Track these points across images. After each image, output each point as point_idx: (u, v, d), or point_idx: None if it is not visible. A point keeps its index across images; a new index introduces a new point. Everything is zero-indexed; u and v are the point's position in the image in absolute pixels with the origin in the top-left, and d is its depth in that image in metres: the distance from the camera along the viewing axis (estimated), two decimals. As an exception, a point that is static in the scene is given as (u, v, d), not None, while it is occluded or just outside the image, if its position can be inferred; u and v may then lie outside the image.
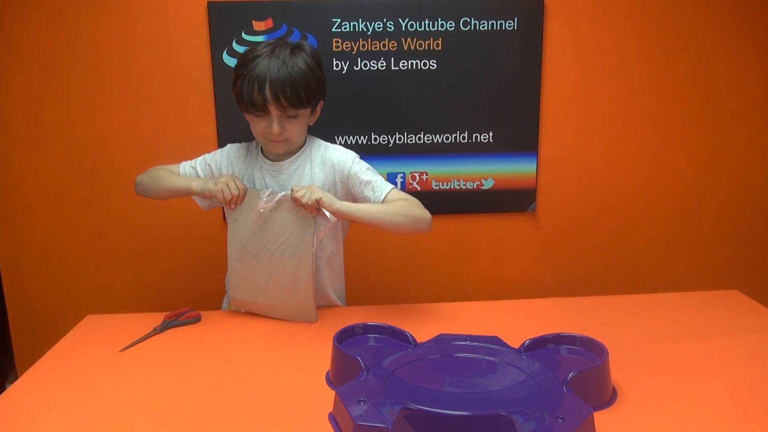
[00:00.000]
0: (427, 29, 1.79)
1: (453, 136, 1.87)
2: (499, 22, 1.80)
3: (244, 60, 1.26)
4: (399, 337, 1.10)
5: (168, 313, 1.33)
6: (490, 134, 1.88)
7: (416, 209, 1.30)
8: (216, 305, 1.54)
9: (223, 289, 1.53)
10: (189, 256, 1.91)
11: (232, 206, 1.29)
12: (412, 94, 1.83)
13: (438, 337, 1.10)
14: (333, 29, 1.77)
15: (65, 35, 1.74)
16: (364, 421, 0.80)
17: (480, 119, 1.86)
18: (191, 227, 1.89)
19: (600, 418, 0.85)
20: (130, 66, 1.78)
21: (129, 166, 1.85)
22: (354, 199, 1.35)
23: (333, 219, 1.22)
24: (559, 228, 1.98)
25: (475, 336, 1.08)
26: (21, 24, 1.73)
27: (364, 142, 1.86)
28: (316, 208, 1.21)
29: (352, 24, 1.77)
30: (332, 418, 0.90)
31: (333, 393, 0.92)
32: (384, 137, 1.86)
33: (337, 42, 1.78)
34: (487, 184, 1.92)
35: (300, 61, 1.24)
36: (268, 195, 1.26)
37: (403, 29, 1.79)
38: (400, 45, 1.79)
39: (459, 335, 1.09)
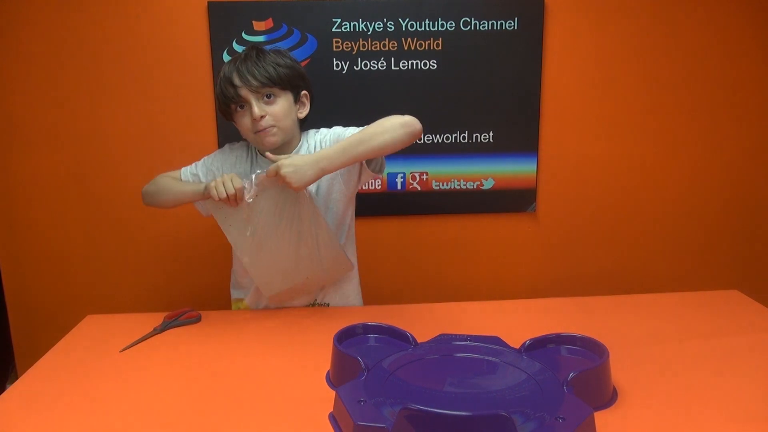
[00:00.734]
0: (427, 29, 1.79)
1: (453, 136, 1.87)
2: (499, 22, 1.80)
3: (220, 75, 1.31)
4: (399, 337, 1.10)
5: (168, 313, 1.33)
6: (490, 134, 1.88)
7: (392, 118, 1.23)
8: (216, 305, 1.54)
9: (223, 291, 1.53)
10: (189, 256, 1.91)
11: (234, 204, 1.26)
12: (412, 94, 1.83)
13: (438, 337, 1.10)
14: (333, 29, 1.77)
15: (65, 35, 1.74)
16: (364, 421, 0.80)
17: (480, 119, 1.86)
18: (191, 227, 1.89)
19: (600, 418, 0.85)
20: (130, 66, 1.78)
21: (129, 165, 1.85)
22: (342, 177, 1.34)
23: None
24: (559, 228, 1.98)
25: (476, 336, 1.08)
26: (21, 24, 1.73)
27: (364, 142, 1.85)
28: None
29: (352, 24, 1.77)
30: (332, 418, 0.90)
31: (333, 393, 0.91)
32: (384, 137, 1.86)
33: (337, 42, 1.78)
34: (488, 184, 1.92)
35: (265, 51, 1.29)
36: (247, 184, 1.24)
37: (403, 29, 1.79)
38: (400, 45, 1.80)
39: (459, 335, 1.09)
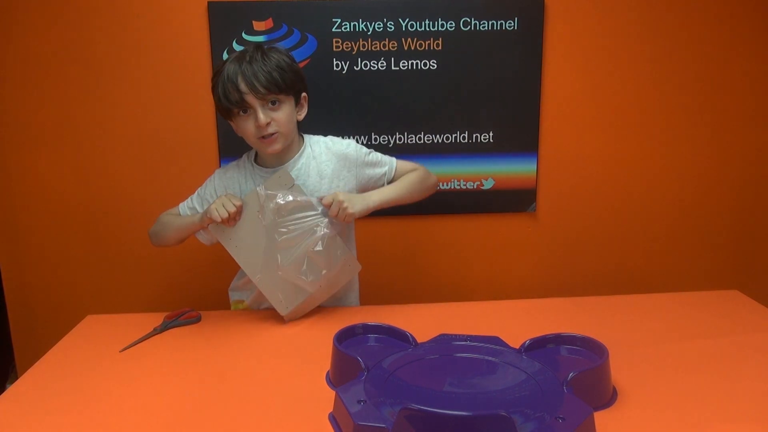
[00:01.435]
0: (427, 29, 1.79)
1: (453, 136, 1.87)
2: (499, 22, 1.80)
3: (215, 72, 1.30)
4: (399, 337, 1.10)
5: (168, 313, 1.33)
6: (490, 134, 1.88)
7: (427, 178, 1.46)
8: (216, 305, 1.53)
9: (223, 291, 1.53)
10: (189, 256, 1.91)
11: (231, 224, 1.27)
12: (412, 94, 1.83)
13: (438, 337, 1.10)
14: (333, 29, 1.77)
15: (65, 35, 1.74)
16: (364, 421, 0.80)
17: (480, 119, 1.86)
18: (191, 227, 1.88)
19: (600, 418, 0.85)
20: (130, 66, 1.78)
21: (129, 165, 1.85)
22: (367, 179, 1.41)
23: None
24: (559, 228, 1.98)
25: (475, 336, 1.08)
26: (21, 24, 1.73)
27: (364, 142, 1.85)
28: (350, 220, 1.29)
29: (352, 24, 1.77)
30: (332, 418, 0.90)
31: (333, 393, 0.92)
32: (384, 137, 1.86)
33: (337, 42, 1.78)
34: (488, 184, 1.92)
35: (270, 54, 1.27)
36: (267, 192, 1.26)
37: (403, 29, 1.79)
38: (400, 45, 1.79)
39: (459, 335, 1.09)
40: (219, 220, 1.24)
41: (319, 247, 1.26)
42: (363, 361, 0.96)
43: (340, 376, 0.99)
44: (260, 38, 1.75)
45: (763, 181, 1.98)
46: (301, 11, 1.76)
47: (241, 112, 1.28)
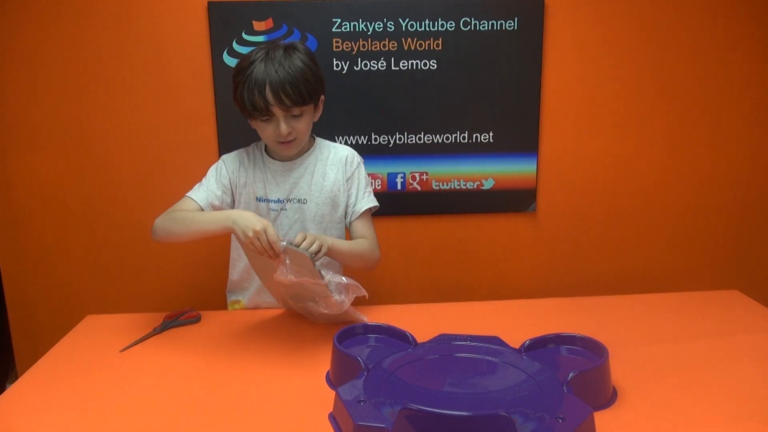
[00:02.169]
0: (427, 29, 1.79)
1: (453, 136, 1.87)
2: (499, 22, 1.80)
3: (240, 68, 1.26)
4: (399, 337, 1.10)
5: (168, 313, 1.33)
6: (490, 134, 1.88)
7: (373, 252, 1.40)
8: (216, 306, 1.54)
9: (223, 291, 1.53)
10: (189, 257, 1.91)
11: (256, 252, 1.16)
12: (412, 94, 1.83)
13: (438, 337, 1.10)
14: (333, 29, 1.77)
15: (65, 35, 1.74)
16: (364, 421, 0.80)
17: (480, 119, 1.86)
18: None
19: (600, 418, 0.85)
20: (130, 66, 1.78)
21: (129, 165, 1.85)
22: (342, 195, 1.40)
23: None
24: (559, 228, 1.98)
25: (475, 336, 1.08)
26: (21, 24, 1.73)
27: (364, 142, 1.86)
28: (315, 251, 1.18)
29: (352, 24, 1.77)
30: (332, 418, 0.90)
31: (333, 393, 0.92)
32: (384, 137, 1.86)
33: (337, 42, 1.78)
34: (488, 184, 1.92)
35: (296, 60, 1.25)
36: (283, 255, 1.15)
37: (403, 29, 1.79)
38: (400, 45, 1.79)
39: (459, 335, 1.09)
40: (250, 249, 1.14)
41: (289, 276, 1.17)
42: (363, 361, 0.96)
43: (340, 376, 0.99)
44: (260, 38, 1.75)
45: (762, 181, 1.98)
46: (301, 11, 1.76)
47: (263, 117, 1.27)
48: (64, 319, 1.49)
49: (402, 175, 1.89)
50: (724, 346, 1.12)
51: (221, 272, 1.54)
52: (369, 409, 0.83)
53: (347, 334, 1.10)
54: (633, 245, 2.01)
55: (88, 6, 1.73)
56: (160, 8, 1.75)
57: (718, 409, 0.91)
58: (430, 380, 0.95)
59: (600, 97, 1.88)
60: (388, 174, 1.89)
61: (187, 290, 1.93)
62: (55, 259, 1.90)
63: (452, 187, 1.91)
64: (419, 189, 1.90)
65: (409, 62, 1.81)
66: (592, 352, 1.01)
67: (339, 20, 1.77)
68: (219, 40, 1.76)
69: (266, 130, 1.29)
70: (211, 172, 1.40)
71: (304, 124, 1.30)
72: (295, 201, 1.37)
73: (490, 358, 1.01)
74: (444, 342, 1.07)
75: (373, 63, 1.80)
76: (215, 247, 1.84)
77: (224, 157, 1.42)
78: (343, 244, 1.31)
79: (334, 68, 1.79)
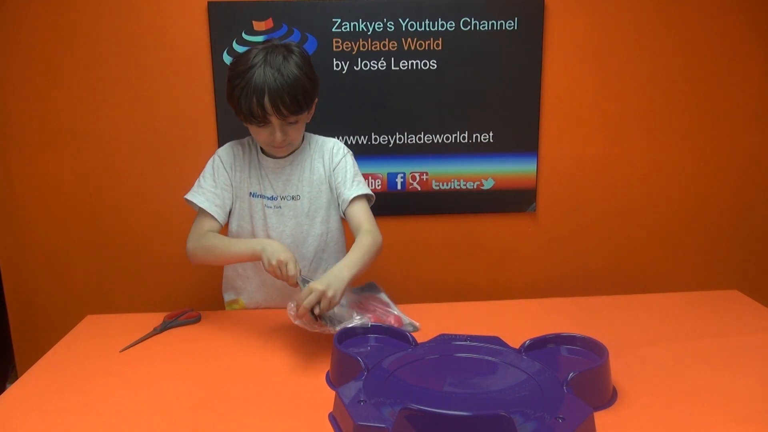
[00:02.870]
0: (427, 29, 1.79)
1: (453, 136, 1.87)
2: (499, 22, 1.80)
3: (238, 71, 1.23)
4: (399, 337, 1.10)
5: (168, 313, 1.33)
6: (490, 134, 1.88)
7: (376, 239, 1.32)
8: (215, 306, 1.54)
9: (221, 294, 1.54)
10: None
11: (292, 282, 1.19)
12: (412, 94, 1.83)
13: (438, 337, 1.10)
14: (333, 29, 1.77)
15: (66, 35, 1.74)
16: (364, 421, 0.80)
17: (480, 119, 1.86)
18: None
19: (600, 418, 0.85)
20: (130, 66, 1.78)
21: (129, 165, 1.85)
22: (330, 186, 1.39)
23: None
24: (559, 228, 1.98)
25: (476, 336, 1.08)
26: (22, 24, 1.73)
27: (364, 142, 1.86)
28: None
29: (352, 24, 1.77)
30: (332, 418, 0.90)
31: (333, 393, 0.92)
32: (384, 137, 1.86)
33: (337, 42, 1.78)
34: (487, 184, 1.92)
35: (293, 67, 1.22)
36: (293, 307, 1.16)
37: (403, 29, 1.79)
38: (400, 45, 1.80)
39: (459, 335, 1.09)
40: (272, 273, 1.19)
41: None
42: (363, 361, 0.96)
43: (340, 376, 0.99)
44: (260, 38, 1.75)
45: (762, 181, 1.98)
46: (301, 11, 1.76)
47: (259, 123, 1.26)
48: (64, 319, 1.49)
49: (402, 175, 1.89)
50: (724, 346, 1.12)
51: (221, 273, 1.54)
52: (369, 409, 0.83)
53: (347, 334, 1.10)
54: (633, 245, 2.01)
55: (89, 6, 1.73)
56: (161, 8, 1.75)
57: (718, 409, 0.91)
58: (430, 380, 0.95)
59: (600, 97, 1.88)
60: (388, 174, 1.89)
61: (186, 290, 1.93)
62: (55, 259, 1.90)
63: (452, 187, 1.91)
64: (419, 189, 1.90)
65: (409, 62, 1.81)
66: (592, 352, 1.01)
67: (339, 20, 1.77)
68: (219, 40, 1.76)
69: (261, 134, 1.28)
70: (208, 170, 1.38)
71: (298, 131, 1.31)
72: (288, 198, 1.37)
73: (490, 358, 1.00)
74: (444, 342, 1.07)
75: (373, 63, 1.80)
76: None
77: (219, 151, 1.40)
78: (355, 265, 1.23)
79: (334, 68, 1.79)
